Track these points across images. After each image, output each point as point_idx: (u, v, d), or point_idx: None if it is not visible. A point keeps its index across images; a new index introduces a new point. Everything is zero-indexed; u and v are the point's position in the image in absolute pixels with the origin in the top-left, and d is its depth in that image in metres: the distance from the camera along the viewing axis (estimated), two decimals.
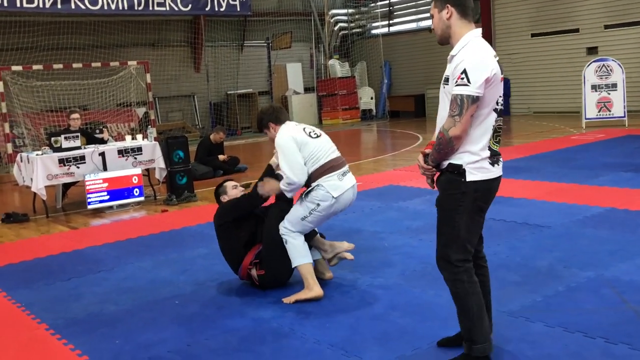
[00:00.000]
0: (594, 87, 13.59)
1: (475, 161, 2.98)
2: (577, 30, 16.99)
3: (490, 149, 3.00)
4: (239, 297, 4.55)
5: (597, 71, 13.54)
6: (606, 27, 16.41)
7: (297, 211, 4.39)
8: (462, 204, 3.01)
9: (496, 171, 3.05)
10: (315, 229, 4.66)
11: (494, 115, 2.99)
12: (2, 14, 14.94)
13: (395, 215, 6.74)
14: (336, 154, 4.50)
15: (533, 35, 18.03)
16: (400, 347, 3.52)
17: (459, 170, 2.99)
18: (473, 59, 2.90)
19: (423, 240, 5.64)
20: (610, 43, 16.26)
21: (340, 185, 4.36)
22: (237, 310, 4.30)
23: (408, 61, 21.34)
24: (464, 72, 2.88)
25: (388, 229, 6.19)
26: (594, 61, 13.78)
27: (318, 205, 4.32)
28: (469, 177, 2.98)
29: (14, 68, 13.70)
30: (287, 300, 4.35)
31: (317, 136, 4.48)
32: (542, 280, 4.39)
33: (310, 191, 4.36)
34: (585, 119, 13.76)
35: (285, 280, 4.67)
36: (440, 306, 4.02)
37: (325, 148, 4.44)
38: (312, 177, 4.36)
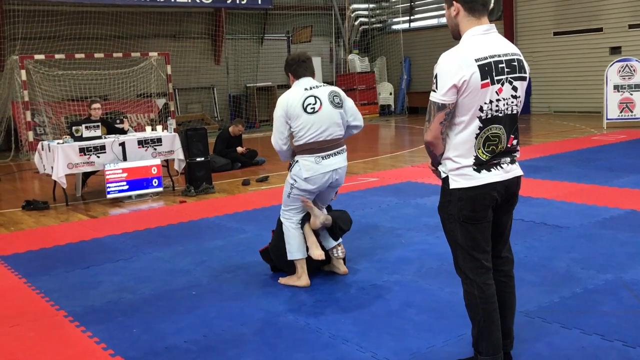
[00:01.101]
0: (617, 88, 13.44)
1: (456, 168, 2.88)
2: (600, 30, 16.79)
3: (476, 157, 2.85)
4: (255, 290, 4.58)
5: (620, 71, 13.39)
6: (630, 26, 16.20)
7: (284, 189, 4.64)
8: (450, 213, 2.95)
9: (484, 177, 2.85)
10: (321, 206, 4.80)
11: (477, 122, 2.81)
12: (26, 3, 15.10)
13: (413, 212, 6.73)
14: (325, 135, 4.43)
15: (555, 33, 17.86)
16: (415, 344, 3.52)
17: (444, 178, 2.95)
18: (444, 64, 2.79)
19: (440, 238, 5.61)
20: (634, 43, 16.05)
21: (313, 167, 4.43)
22: (253, 302, 4.32)
23: (428, 57, 21.20)
24: (435, 77, 2.80)
25: (405, 225, 6.18)
26: (617, 61, 13.62)
27: (295, 181, 4.49)
28: (452, 185, 2.90)
29: (37, 57, 13.83)
30: (281, 280, 4.67)
31: (313, 112, 4.39)
32: (559, 281, 4.37)
33: (292, 165, 4.54)
34: (607, 119, 13.62)
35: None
36: (456, 304, 4.01)
37: (315, 127, 4.40)
38: (295, 151, 4.51)
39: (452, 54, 2.82)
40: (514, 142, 2.94)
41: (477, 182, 2.86)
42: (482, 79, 2.76)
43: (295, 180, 4.49)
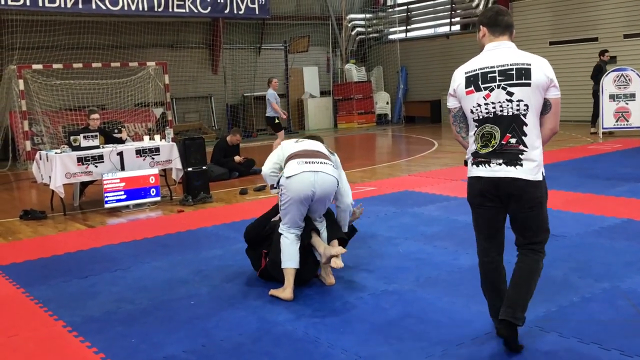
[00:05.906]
0: (612, 97, 13.50)
1: (468, 159, 3.48)
2: (596, 39, 16.89)
3: (475, 151, 3.39)
4: (254, 299, 4.58)
5: (615, 81, 13.46)
6: (625, 36, 16.30)
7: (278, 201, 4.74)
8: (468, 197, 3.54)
9: (477, 171, 3.38)
10: (320, 229, 4.79)
11: (473, 122, 3.38)
12: (24, 13, 15.13)
13: (410, 221, 6.75)
14: (308, 148, 4.72)
15: (551, 43, 17.95)
16: (413, 353, 3.53)
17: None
18: (454, 75, 3.47)
19: (438, 247, 5.64)
20: (630, 53, 16.15)
21: (294, 168, 4.55)
22: (252, 312, 4.33)
23: (424, 67, 21.30)
24: None
25: (403, 234, 6.19)
26: (613, 71, 13.69)
27: (282, 187, 4.60)
28: (468, 174, 3.49)
29: (35, 66, 13.87)
30: (270, 292, 4.63)
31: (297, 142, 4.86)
32: (556, 291, 4.38)
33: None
34: (603, 128, 13.68)
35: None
36: (455, 313, 4.03)
37: (297, 147, 4.74)
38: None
39: (458, 68, 3.46)
40: (512, 140, 3.28)
41: (472, 173, 3.43)
42: (466, 88, 3.38)
43: (282, 186, 4.59)
